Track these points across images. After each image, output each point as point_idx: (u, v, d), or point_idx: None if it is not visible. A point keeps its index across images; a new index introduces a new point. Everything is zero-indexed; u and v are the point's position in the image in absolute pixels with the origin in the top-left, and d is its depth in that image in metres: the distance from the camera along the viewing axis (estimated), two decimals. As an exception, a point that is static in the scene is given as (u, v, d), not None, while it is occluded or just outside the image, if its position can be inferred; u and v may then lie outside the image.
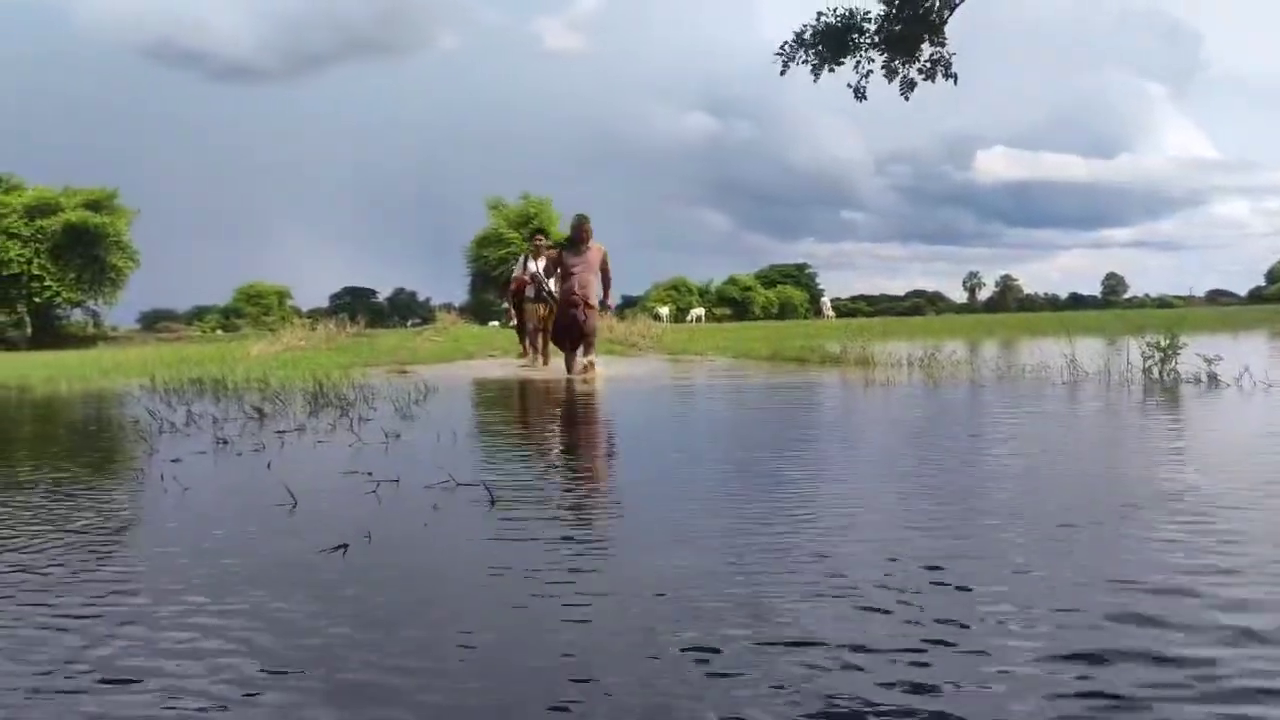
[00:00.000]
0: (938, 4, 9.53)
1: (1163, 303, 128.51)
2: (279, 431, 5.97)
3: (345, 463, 4.63)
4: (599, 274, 11.91)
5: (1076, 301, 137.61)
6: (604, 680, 1.73)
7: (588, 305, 11.65)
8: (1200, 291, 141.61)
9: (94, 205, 48.62)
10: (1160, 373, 8.30)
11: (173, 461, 4.77)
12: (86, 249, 48.03)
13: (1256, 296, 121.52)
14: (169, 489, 3.93)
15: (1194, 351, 8.14)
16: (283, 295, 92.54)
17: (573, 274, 11.72)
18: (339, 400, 7.90)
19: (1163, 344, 8.42)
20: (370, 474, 4.08)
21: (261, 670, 1.81)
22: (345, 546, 2.73)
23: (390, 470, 4.30)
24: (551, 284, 13.63)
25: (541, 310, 13.95)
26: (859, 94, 9.61)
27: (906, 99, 9.81)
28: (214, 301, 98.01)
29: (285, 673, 1.79)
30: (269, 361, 16.09)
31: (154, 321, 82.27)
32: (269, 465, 4.52)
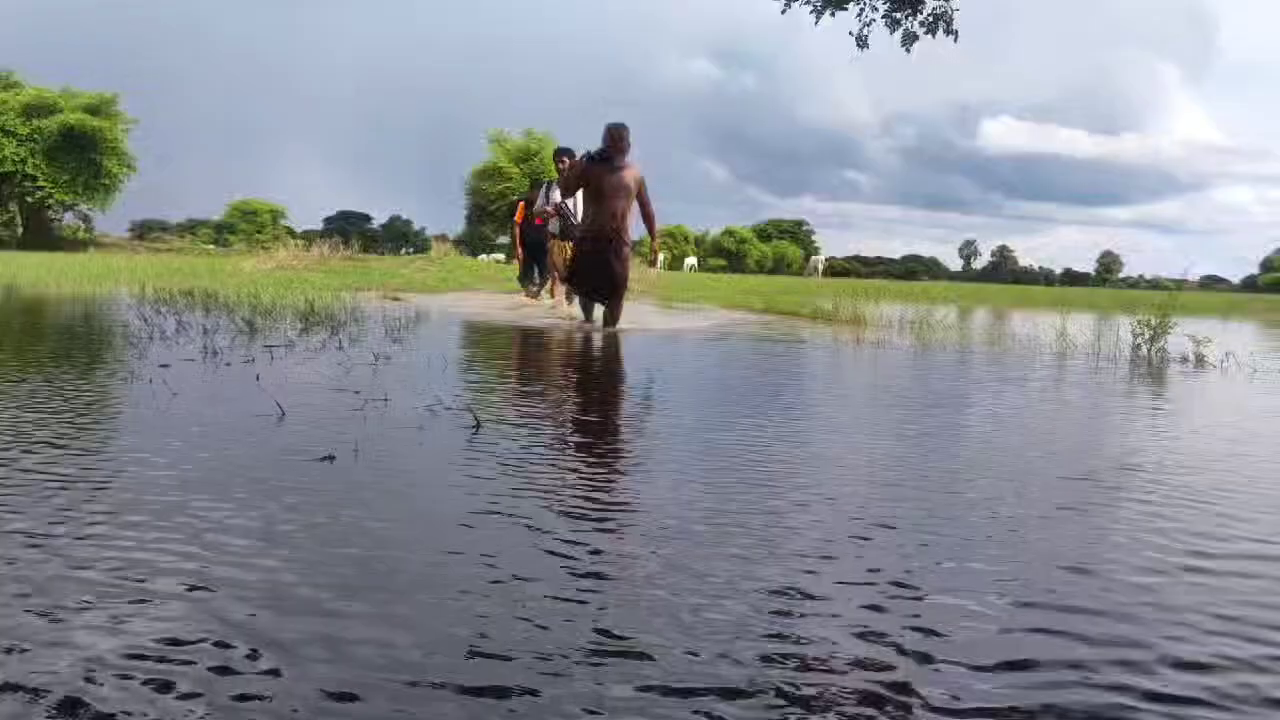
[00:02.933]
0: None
1: (1156, 284, 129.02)
2: (268, 346, 5.98)
3: (334, 380, 4.65)
4: (635, 203, 9.29)
5: (1071, 277, 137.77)
6: (535, 597, 1.76)
7: (622, 243, 9.18)
8: (1194, 276, 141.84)
9: (93, 109, 47.99)
10: (1149, 351, 8.35)
11: (162, 366, 4.78)
12: (83, 152, 47.49)
13: (1250, 284, 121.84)
14: (157, 393, 3.94)
15: (1182, 333, 8.18)
16: (277, 214, 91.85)
17: (605, 200, 9.06)
18: (329, 320, 7.90)
19: (1153, 323, 8.46)
20: (358, 392, 4.10)
21: (229, 575, 1.84)
22: (332, 457, 2.76)
23: (379, 388, 4.32)
24: (579, 214, 11.04)
25: (566, 250, 11.34)
26: (861, 42, 9.52)
27: (908, 51, 9.74)
28: (207, 215, 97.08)
29: (249, 583, 1.82)
30: (261, 278, 16.02)
31: (145, 231, 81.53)
32: (258, 377, 4.53)
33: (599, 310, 9.56)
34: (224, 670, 1.39)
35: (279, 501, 2.29)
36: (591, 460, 3.07)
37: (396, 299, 13.84)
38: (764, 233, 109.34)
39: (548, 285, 14.08)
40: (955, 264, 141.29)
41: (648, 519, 2.33)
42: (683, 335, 9.30)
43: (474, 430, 3.35)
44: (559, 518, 2.27)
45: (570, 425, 3.79)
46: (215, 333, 6.71)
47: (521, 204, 14.73)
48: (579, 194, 10.64)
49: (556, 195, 11.76)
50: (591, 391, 5.35)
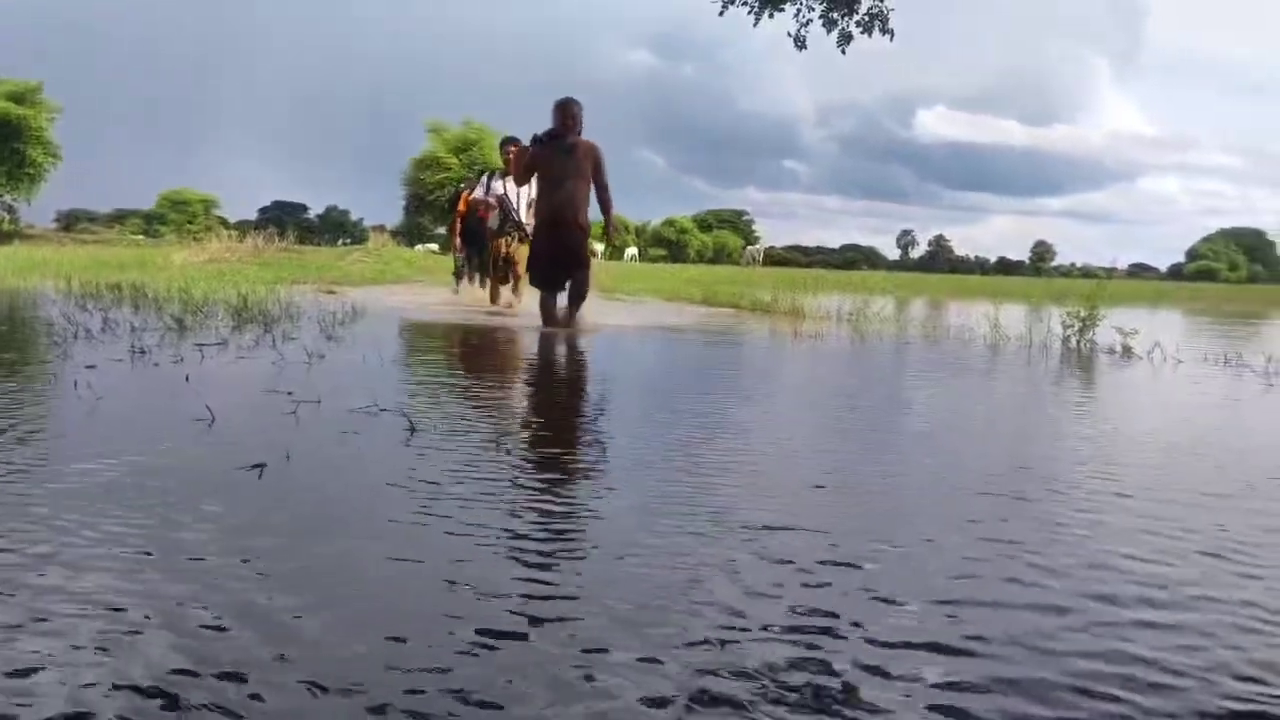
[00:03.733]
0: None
1: (1087, 273, 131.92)
2: (199, 345, 5.86)
3: (266, 380, 4.57)
4: (592, 185, 8.44)
5: (1006, 266, 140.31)
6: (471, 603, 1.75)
7: (580, 229, 8.45)
8: (1123, 264, 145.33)
9: (16, 97, 46.57)
10: (1079, 343, 8.52)
11: (87, 368, 4.66)
12: (6, 142, 46.09)
13: (1176, 273, 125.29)
14: (82, 395, 3.84)
15: (1110, 324, 8.36)
16: (209, 204, 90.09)
17: (559, 184, 8.30)
18: (263, 316, 7.77)
19: (1082, 314, 8.64)
20: (291, 394, 4.03)
21: (155, 584, 1.80)
22: (263, 466, 2.71)
23: (311, 391, 4.26)
24: (521, 207, 10.73)
25: (507, 245, 10.95)
26: (799, 43, 9.60)
27: (843, 52, 9.84)
28: (136, 205, 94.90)
29: (178, 590, 1.78)
30: (192, 272, 15.75)
31: (72, 222, 79.50)
32: (187, 378, 4.43)
33: (560, 306, 8.60)
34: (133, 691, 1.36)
35: (202, 512, 2.25)
36: (525, 465, 3.05)
37: (332, 292, 13.67)
38: (704, 223, 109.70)
39: (512, 285, 12.96)
40: (893, 254, 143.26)
41: (589, 533, 2.32)
42: (621, 328, 9.28)
43: (409, 434, 3.31)
44: (489, 528, 2.25)
45: (506, 427, 3.75)
46: (144, 330, 6.57)
47: (466, 193, 13.86)
48: (523, 186, 10.20)
49: (498, 186, 10.92)
50: (530, 391, 5.32)
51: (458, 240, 15.36)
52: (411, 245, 40.56)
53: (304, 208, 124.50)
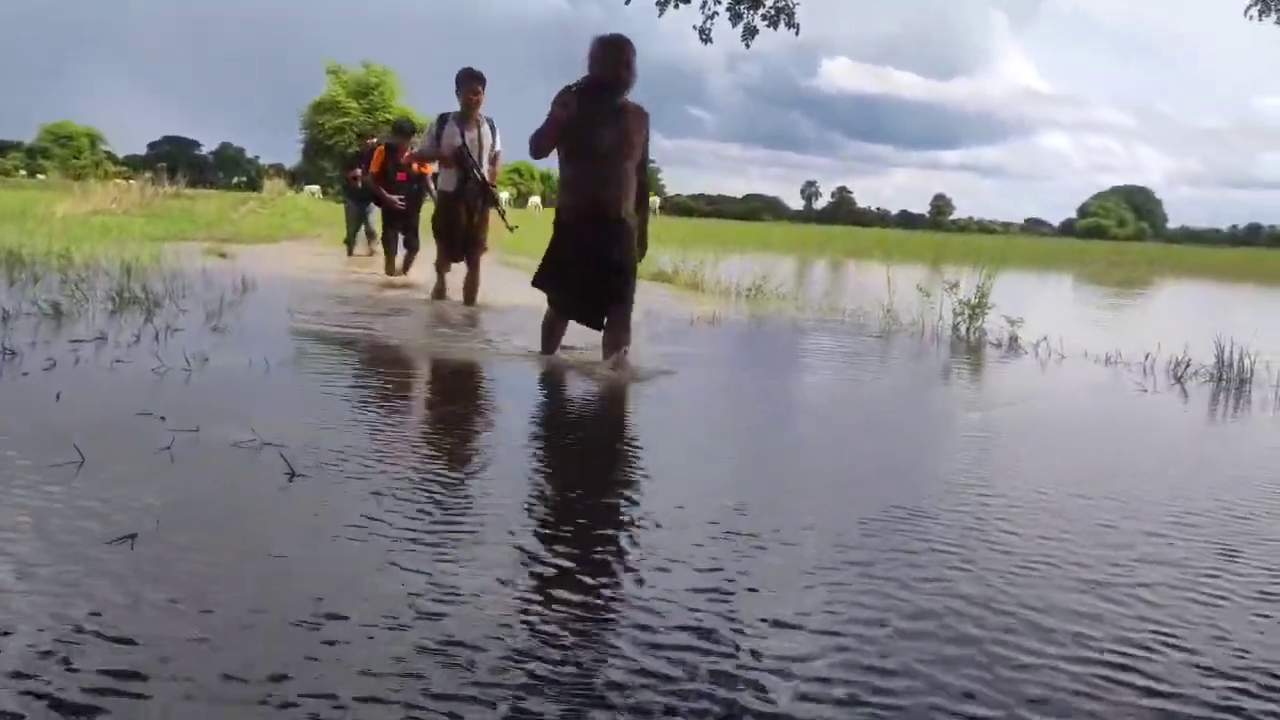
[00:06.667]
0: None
1: (984, 228, 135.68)
2: (75, 341, 5.61)
3: (143, 395, 4.42)
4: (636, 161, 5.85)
5: (906, 219, 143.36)
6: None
7: (628, 228, 5.86)
8: (1019, 218, 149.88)
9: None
10: (968, 330, 8.75)
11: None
12: None
13: (1068, 229, 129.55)
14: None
15: (999, 313, 8.58)
16: (95, 139, 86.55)
17: (599, 159, 5.70)
18: (146, 297, 7.48)
19: (972, 303, 8.86)
20: (164, 418, 3.89)
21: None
22: (133, 536, 2.60)
23: (192, 409, 4.13)
24: (483, 160, 8.65)
25: (468, 215, 8.80)
26: (704, 36, 9.55)
27: (747, 46, 9.82)
28: (17, 138, 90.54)
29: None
30: (76, 226, 15.10)
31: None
32: (58, 396, 4.24)
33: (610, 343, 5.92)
34: None
35: (67, 598, 2.15)
36: (420, 524, 2.99)
37: (223, 255, 13.27)
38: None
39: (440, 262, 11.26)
40: (797, 203, 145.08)
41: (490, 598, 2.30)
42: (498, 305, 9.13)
43: (288, 479, 3.23)
44: (362, 621, 2.21)
45: (406, 468, 3.59)
46: (16, 319, 6.26)
47: (381, 150, 12.20)
48: (486, 136, 8.65)
49: (454, 133, 8.46)
50: (441, 412, 5.15)
51: (353, 207, 14.64)
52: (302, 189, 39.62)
53: (196, 144, 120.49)
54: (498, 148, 8.79)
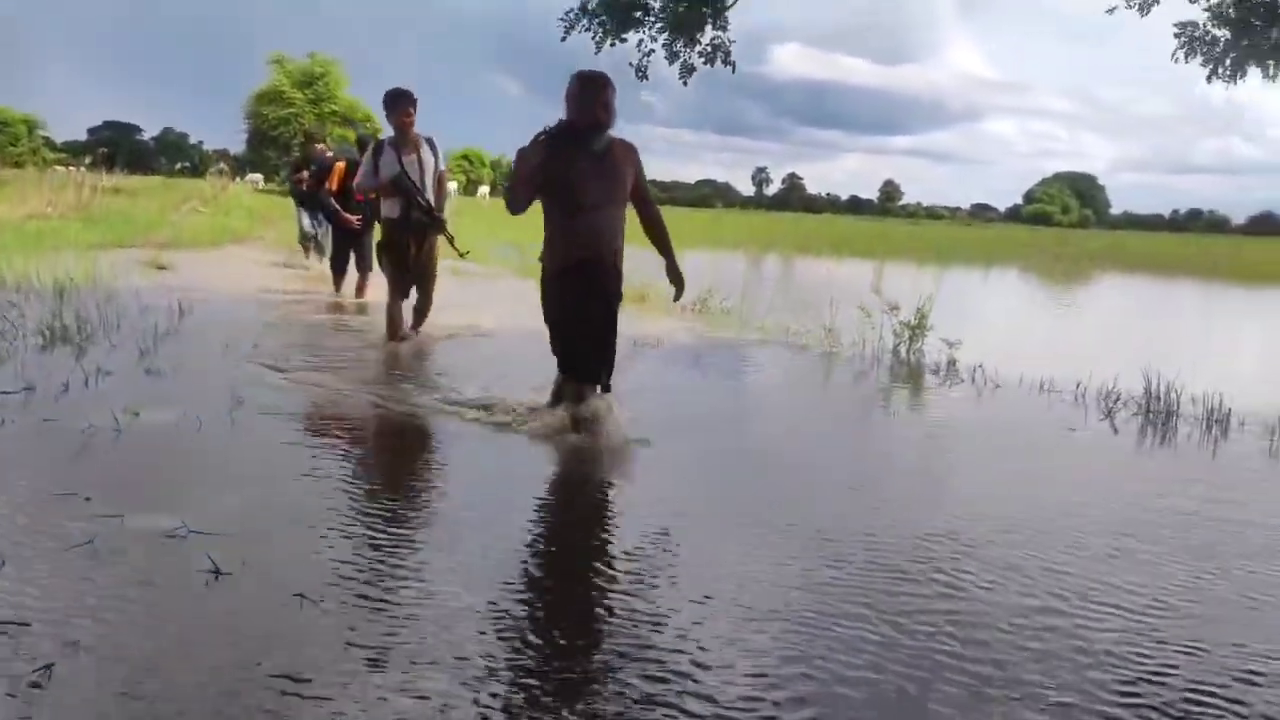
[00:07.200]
0: (723, -13, 9.61)
1: (932, 214, 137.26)
2: (1, 393, 5.48)
3: (67, 467, 4.33)
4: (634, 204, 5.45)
5: (856, 205, 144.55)
6: None
7: (620, 275, 5.43)
8: (966, 204, 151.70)
9: None
10: (907, 352, 8.86)
11: None
12: None
13: (1014, 214, 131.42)
14: None
15: (938, 335, 8.68)
16: (32, 125, 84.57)
17: (587, 208, 5.20)
18: (79, 330, 7.34)
19: (911, 324, 8.98)
20: (89, 499, 3.82)
21: None
22: (43, 675, 2.52)
23: (119, 483, 4.07)
24: (427, 183, 8.05)
25: (416, 246, 8.09)
26: (640, 73, 9.56)
27: (685, 84, 9.84)
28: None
29: None
30: (9, 234, 14.76)
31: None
32: (-22, 473, 4.14)
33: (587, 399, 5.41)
34: None
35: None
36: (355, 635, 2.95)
37: (162, 266, 13.05)
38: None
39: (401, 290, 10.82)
40: (748, 189, 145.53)
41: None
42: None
43: (212, 576, 3.19)
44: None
45: (349, 563, 3.47)
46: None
47: (342, 167, 11.21)
48: (427, 157, 8.02)
49: (390, 159, 7.87)
50: (400, 494, 4.54)
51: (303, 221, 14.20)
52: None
53: (137, 129, 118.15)
54: (441, 167, 8.22)
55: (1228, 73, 8.80)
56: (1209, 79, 8.77)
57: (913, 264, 26.65)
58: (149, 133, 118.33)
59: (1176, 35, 9.02)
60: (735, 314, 11.31)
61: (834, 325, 9.50)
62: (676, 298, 5.76)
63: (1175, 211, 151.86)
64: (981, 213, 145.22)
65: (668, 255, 5.53)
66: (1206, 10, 8.77)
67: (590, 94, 5.15)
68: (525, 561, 3.68)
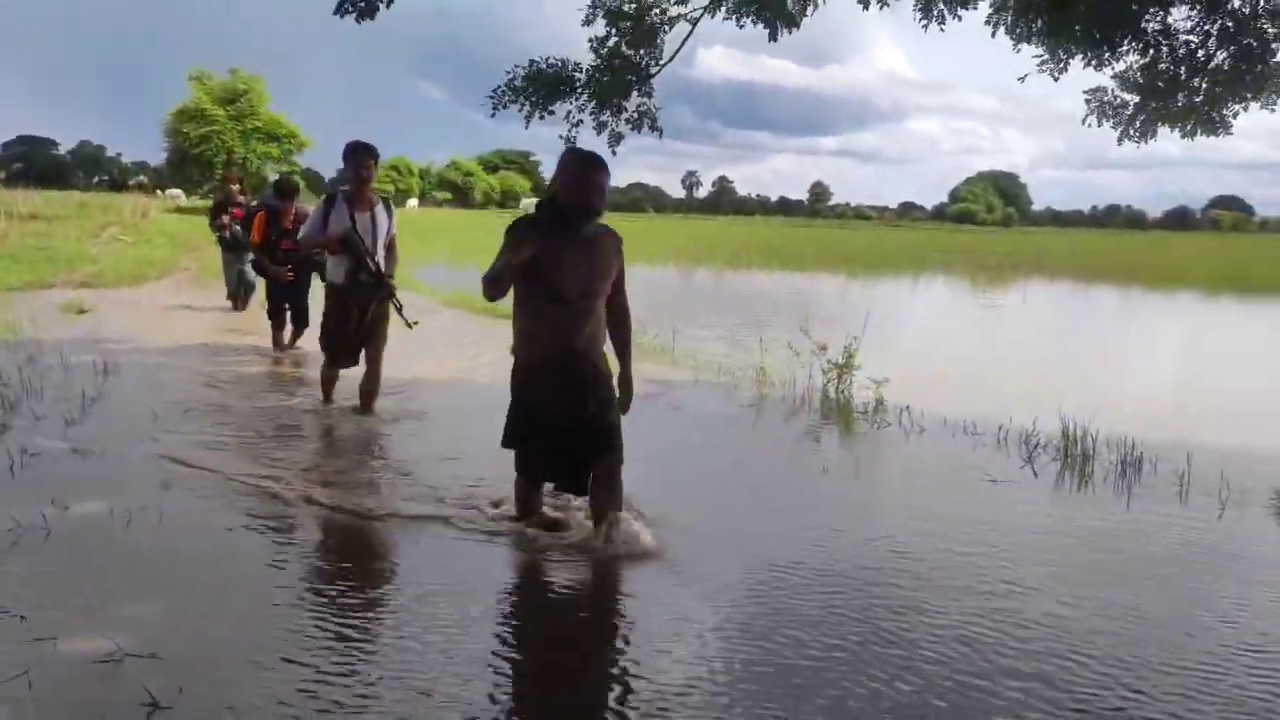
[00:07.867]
0: (646, 58, 9.76)
1: (860, 214, 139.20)
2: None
3: (-1, 576, 4.27)
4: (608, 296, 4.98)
5: (785, 206, 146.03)
6: None
7: (605, 375, 4.96)
8: (894, 203, 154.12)
9: None
10: (836, 392, 9.05)
11: None
12: None
13: (940, 213, 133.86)
14: None
15: (866, 375, 8.87)
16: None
17: (570, 298, 4.76)
18: (1, 401, 7.23)
19: (839, 363, 9.17)
20: (24, 617, 3.78)
21: None
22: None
23: (49, 598, 4.02)
24: (378, 245, 7.40)
25: (360, 313, 7.47)
26: (568, 142, 9.67)
27: (614, 153, 9.95)
28: None
29: None
30: (-79, 278, 14.40)
31: None
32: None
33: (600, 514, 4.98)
34: None
35: None
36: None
37: (83, 310, 12.82)
38: (490, 164, 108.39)
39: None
40: (678, 193, 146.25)
41: None
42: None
43: (152, 709, 3.19)
44: None
45: (296, 690, 3.46)
46: None
47: (262, 215, 10.44)
48: (381, 218, 7.42)
49: (346, 218, 7.21)
50: (347, 614, 4.24)
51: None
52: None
53: (53, 143, 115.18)
54: (393, 231, 7.56)
55: (1138, 133, 9.14)
56: (1119, 141, 9.11)
57: (841, 275, 27.06)
58: (65, 146, 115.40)
59: (1087, 101, 9.36)
60: (667, 351, 11.39)
61: (763, 365, 9.67)
62: (623, 409, 5.06)
63: (1094, 207, 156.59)
64: (909, 212, 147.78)
65: (624, 360, 5.07)
66: (1114, 78, 9.07)
67: (588, 178, 4.80)
68: (490, 689, 3.70)
